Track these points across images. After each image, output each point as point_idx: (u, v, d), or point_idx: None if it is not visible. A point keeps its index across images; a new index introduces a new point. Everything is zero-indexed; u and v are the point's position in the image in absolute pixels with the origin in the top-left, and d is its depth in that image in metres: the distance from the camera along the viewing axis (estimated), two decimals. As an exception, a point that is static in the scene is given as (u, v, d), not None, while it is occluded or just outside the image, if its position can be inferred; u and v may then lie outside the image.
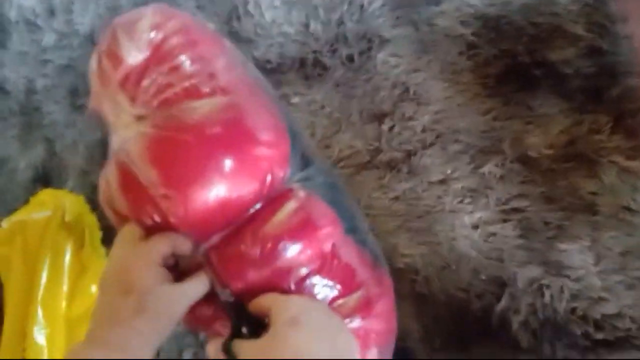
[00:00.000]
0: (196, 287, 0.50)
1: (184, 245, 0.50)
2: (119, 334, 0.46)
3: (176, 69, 0.53)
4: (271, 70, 0.96)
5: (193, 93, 0.52)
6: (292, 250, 0.53)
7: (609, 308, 0.70)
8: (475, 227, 0.77)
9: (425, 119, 0.83)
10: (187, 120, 0.50)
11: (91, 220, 0.98)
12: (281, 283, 0.53)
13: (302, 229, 0.54)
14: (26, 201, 1.04)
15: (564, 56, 0.79)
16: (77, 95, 1.11)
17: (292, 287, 0.53)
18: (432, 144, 0.82)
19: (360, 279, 0.58)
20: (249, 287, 0.52)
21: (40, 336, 0.85)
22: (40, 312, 0.86)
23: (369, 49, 0.91)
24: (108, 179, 0.54)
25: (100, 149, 1.05)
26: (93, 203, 1.02)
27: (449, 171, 0.80)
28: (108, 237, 0.97)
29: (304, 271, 0.54)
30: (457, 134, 0.81)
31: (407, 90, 0.86)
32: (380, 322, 0.59)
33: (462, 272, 0.76)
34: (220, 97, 0.53)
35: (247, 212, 0.54)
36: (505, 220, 0.76)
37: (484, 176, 0.78)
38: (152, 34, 0.54)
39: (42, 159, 1.11)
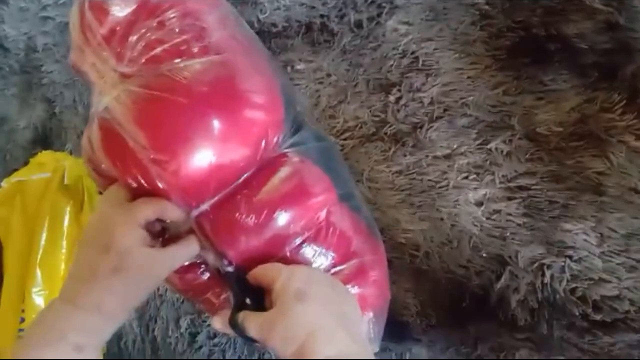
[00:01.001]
0: (180, 252, 0.49)
1: (171, 212, 0.49)
2: (94, 292, 0.45)
3: (166, 24, 0.50)
4: (276, 35, 0.94)
5: (184, 51, 0.49)
6: (288, 218, 0.51)
7: (609, 290, 0.69)
8: (479, 204, 0.76)
9: (433, 91, 0.81)
10: (178, 80, 0.48)
11: (90, 183, 0.97)
12: (277, 251, 0.52)
13: (297, 195, 0.52)
14: (26, 162, 1.04)
15: (580, 30, 0.76)
16: (78, 55, 1.09)
17: (288, 255, 0.52)
18: (439, 118, 0.80)
19: (356, 247, 0.56)
20: (245, 256, 0.51)
21: (38, 297, 0.86)
22: (39, 273, 0.86)
23: (379, 15, 0.88)
24: (91, 139, 0.51)
25: (101, 111, 1.04)
26: (93, 166, 1.01)
27: (455, 146, 0.78)
28: (108, 201, 0.97)
29: (299, 239, 0.52)
30: (466, 107, 0.79)
31: (416, 60, 0.83)
32: (375, 289, 0.58)
33: (463, 249, 0.76)
34: (212, 56, 0.50)
35: (240, 177, 0.52)
36: (510, 198, 0.75)
37: (490, 152, 0.77)
38: None
39: (42, 120, 1.09)
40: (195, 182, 0.49)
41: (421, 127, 0.81)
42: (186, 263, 0.53)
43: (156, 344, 0.91)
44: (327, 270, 0.54)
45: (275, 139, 0.53)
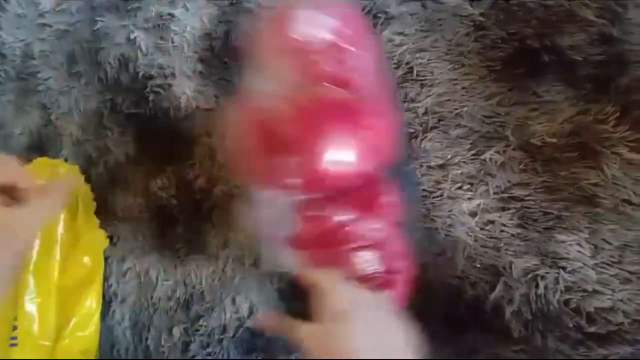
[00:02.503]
0: (41, 207, 0.50)
1: (22, 179, 0.49)
2: None
3: (341, 56, 0.62)
4: (273, 44, 0.94)
5: (344, 80, 0.62)
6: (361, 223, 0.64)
7: (603, 301, 0.69)
8: (473, 214, 0.76)
9: (428, 101, 0.81)
10: (339, 101, 0.61)
11: (85, 190, 0.97)
12: (337, 244, 0.63)
13: (372, 206, 0.66)
14: (20, 169, 1.03)
15: (574, 42, 0.76)
16: (74, 62, 1.09)
17: (345, 253, 0.62)
18: (433, 128, 0.80)
19: (402, 265, 0.68)
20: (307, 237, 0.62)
21: (31, 305, 0.85)
22: (31, 280, 0.86)
23: (374, 25, 0.88)
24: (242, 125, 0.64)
25: (95, 119, 1.04)
26: (87, 173, 1.01)
27: (449, 156, 0.79)
28: (101, 208, 0.97)
29: (362, 243, 0.63)
30: (460, 118, 0.79)
31: (410, 70, 0.84)
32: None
33: (457, 259, 0.75)
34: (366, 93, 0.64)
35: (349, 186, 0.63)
36: (503, 209, 0.75)
37: (484, 163, 0.77)
38: (331, 20, 0.62)
39: (37, 126, 1.09)
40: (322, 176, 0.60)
41: (415, 137, 0.81)
42: None
43: (149, 352, 0.90)
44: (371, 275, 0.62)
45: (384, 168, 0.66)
